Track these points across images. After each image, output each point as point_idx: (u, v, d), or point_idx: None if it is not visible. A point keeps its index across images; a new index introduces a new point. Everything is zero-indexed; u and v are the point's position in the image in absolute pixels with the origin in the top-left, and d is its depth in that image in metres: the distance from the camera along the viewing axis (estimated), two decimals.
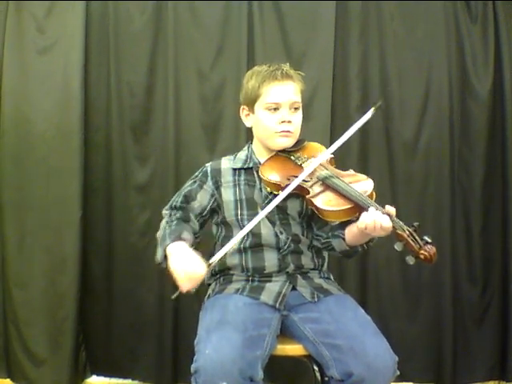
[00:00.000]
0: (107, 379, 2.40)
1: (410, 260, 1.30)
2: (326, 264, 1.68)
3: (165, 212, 1.63)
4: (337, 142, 1.52)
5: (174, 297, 1.40)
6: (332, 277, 1.68)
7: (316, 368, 1.49)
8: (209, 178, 1.64)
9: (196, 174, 1.68)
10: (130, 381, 2.39)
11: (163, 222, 1.57)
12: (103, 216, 2.36)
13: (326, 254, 1.69)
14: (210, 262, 1.40)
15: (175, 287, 1.40)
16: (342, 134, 1.51)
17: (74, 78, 2.26)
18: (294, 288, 1.55)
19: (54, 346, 2.27)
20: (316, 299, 1.51)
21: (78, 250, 2.27)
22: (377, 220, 1.32)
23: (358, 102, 2.33)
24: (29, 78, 2.30)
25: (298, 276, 1.57)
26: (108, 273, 2.36)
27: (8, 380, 2.32)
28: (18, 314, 2.29)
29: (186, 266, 1.37)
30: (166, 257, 1.44)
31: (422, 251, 1.28)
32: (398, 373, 1.36)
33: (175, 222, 1.54)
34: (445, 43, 2.34)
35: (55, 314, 2.27)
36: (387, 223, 1.32)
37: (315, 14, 2.32)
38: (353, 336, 1.36)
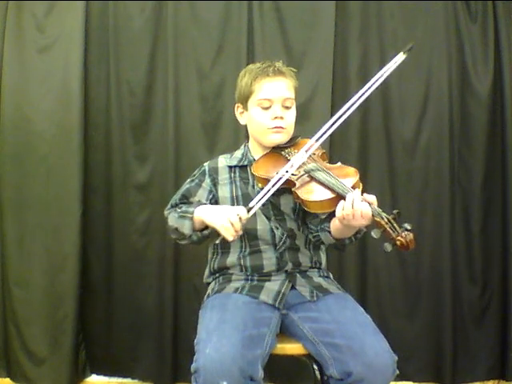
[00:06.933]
0: (107, 378, 2.40)
1: (388, 247, 1.29)
2: (324, 263, 1.68)
3: (166, 212, 1.64)
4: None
5: (218, 241, 1.44)
6: (331, 276, 1.68)
7: (315, 367, 1.49)
8: (206, 176, 1.65)
9: (194, 173, 1.70)
10: (129, 380, 2.39)
11: (170, 215, 1.59)
12: (103, 215, 2.36)
13: (324, 252, 1.69)
14: (250, 206, 1.41)
15: (217, 234, 1.42)
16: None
17: (74, 77, 2.26)
18: (293, 287, 1.55)
19: (54, 345, 2.27)
20: (315, 298, 1.51)
21: (77, 249, 2.27)
22: (355, 206, 1.30)
23: None
24: (29, 77, 2.30)
25: (298, 275, 1.57)
26: (108, 272, 2.37)
27: (7, 379, 2.32)
28: (17, 313, 2.29)
29: (225, 211, 1.40)
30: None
31: (398, 237, 1.27)
32: (398, 372, 1.36)
33: (184, 206, 1.57)
34: (444, 42, 2.34)
35: (55, 313, 2.28)
36: (366, 209, 1.30)
37: (315, 14, 2.32)
38: (352, 335, 1.36)
